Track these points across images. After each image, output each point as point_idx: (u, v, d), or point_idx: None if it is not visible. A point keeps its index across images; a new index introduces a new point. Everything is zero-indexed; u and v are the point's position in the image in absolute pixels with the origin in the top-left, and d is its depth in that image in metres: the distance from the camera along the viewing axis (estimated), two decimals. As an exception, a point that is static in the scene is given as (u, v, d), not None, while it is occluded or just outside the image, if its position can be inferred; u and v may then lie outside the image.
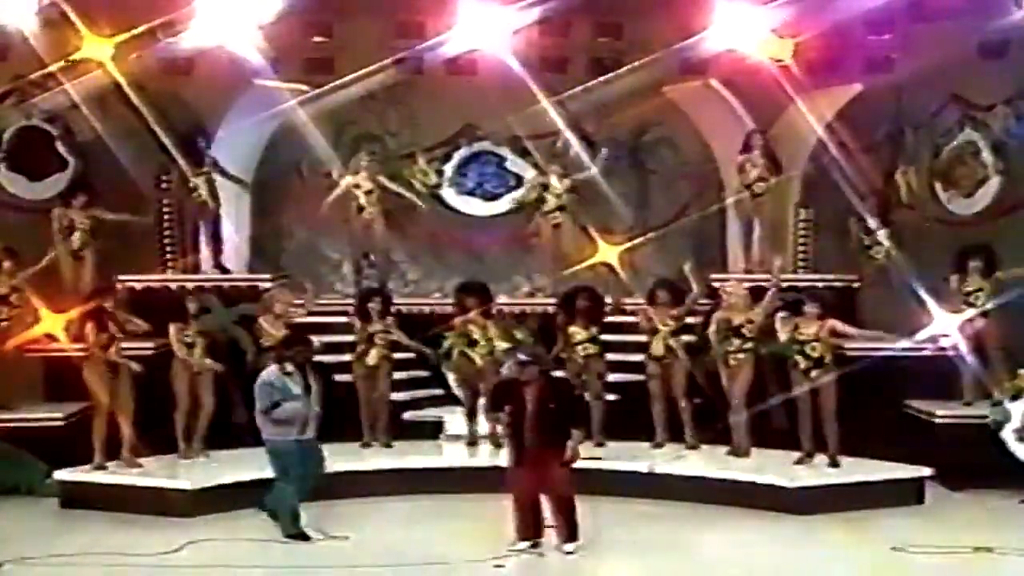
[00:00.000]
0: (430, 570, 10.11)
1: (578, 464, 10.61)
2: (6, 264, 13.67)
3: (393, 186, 15.49)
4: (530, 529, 10.54)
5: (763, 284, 13.36)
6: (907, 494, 12.27)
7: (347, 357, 13.57)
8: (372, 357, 13.42)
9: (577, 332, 13.53)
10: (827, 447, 12.53)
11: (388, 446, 13.44)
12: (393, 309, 13.83)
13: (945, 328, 12.88)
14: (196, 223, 15.31)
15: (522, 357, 10.82)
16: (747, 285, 13.45)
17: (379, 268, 15.54)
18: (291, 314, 13.39)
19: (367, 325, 13.50)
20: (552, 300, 14.58)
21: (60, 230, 14.36)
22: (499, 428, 11.57)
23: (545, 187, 15.38)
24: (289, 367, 10.93)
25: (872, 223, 14.61)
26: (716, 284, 13.98)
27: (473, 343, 13.50)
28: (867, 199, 14.79)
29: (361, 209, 15.22)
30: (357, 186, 15.20)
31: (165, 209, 15.39)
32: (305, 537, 10.92)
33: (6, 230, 14.37)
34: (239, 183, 15.56)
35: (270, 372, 11.00)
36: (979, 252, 13.50)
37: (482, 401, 13.56)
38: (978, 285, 13.38)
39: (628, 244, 14.95)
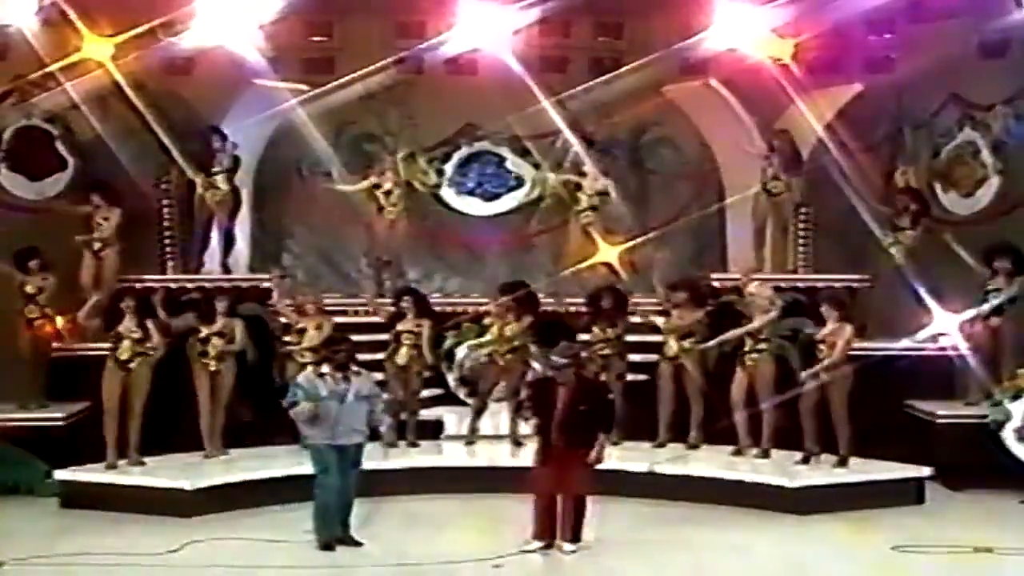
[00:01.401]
0: (430, 570, 10.10)
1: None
2: (31, 264, 13.70)
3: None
4: (547, 530, 10.51)
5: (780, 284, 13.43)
6: (907, 494, 12.27)
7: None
8: (402, 356, 13.40)
9: (596, 333, 13.50)
10: (832, 446, 12.50)
11: (414, 445, 13.39)
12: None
13: (946, 328, 12.87)
14: (210, 221, 15.23)
15: (556, 359, 10.72)
16: (771, 286, 13.45)
17: (394, 268, 15.43)
18: (321, 314, 13.29)
19: (397, 323, 13.46)
20: (551, 300, 14.55)
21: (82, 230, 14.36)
22: (526, 427, 11.49)
23: (578, 187, 15.20)
24: (325, 368, 10.83)
25: (902, 222, 14.50)
26: (740, 283, 13.74)
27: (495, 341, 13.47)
28: (898, 198, 14.75)
29: (381, 209, 15.14)
30: (377, 186, 15.13)
31: (165, 209, 15.38)
32: (330, 548, 10.58)
33: (6, 230, 14.37)
34: None
35: (304, 373, 10.99)
36: (1007, 252, 13.41)
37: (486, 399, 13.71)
38: (999, 284, 13.35)
39: (628, 244, 14.92)
